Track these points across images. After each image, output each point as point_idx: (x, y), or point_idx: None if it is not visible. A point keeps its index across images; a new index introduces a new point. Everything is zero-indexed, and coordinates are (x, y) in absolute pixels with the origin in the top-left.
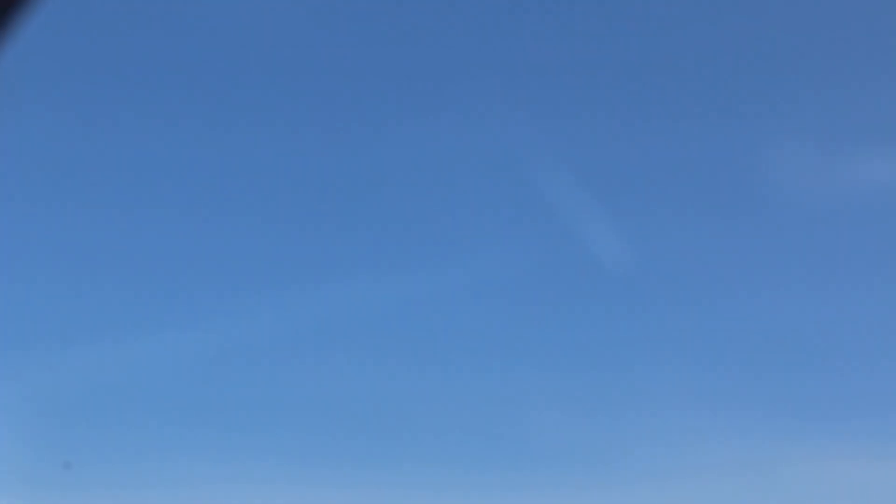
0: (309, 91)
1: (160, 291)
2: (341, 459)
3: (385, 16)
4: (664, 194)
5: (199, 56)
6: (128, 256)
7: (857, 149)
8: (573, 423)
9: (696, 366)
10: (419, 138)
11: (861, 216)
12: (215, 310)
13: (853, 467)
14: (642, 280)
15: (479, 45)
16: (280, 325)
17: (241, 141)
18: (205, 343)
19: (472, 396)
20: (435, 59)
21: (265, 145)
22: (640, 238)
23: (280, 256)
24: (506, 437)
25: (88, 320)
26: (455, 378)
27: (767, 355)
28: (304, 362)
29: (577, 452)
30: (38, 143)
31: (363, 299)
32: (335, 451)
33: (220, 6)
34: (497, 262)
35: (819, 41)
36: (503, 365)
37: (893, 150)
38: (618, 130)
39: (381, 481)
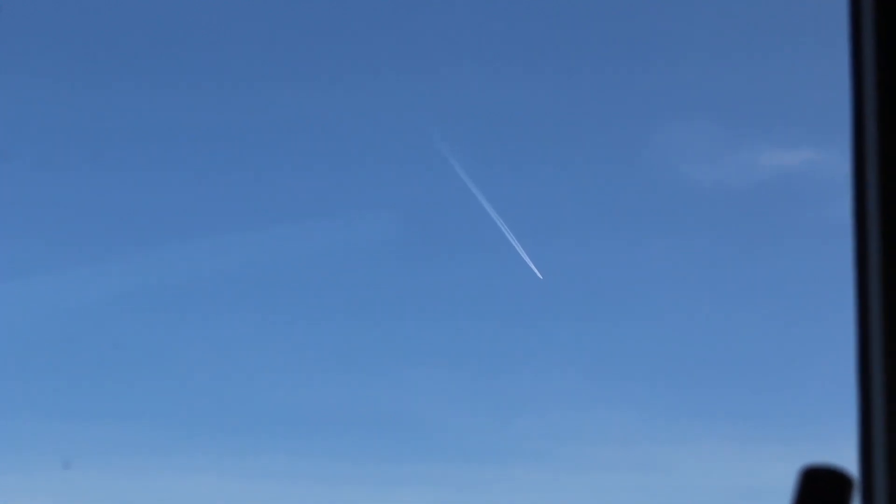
0: (202, 43)
1: (49, 238)
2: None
3: None
4: (551, 165)
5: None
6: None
7: (759, 132)
8: (467, 415)
9: (587, 364)
10: (312, 97)
11: (758, 199)
12: (98, 260)
13: (745, 468)
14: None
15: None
16: (153, 278)
17: (136, 96)
18: (80, 294)
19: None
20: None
21: (158, 100)
22: (529, 213)
23: (161, 210)
24: (396, 426)
25: None
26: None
27: (661, 352)
28: (178, 316)
29: (468, 445)
30: None
31: (248, 251)
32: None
33: None
34: (381, 220)
35: (729, 21)
36: (388, 328)
37: (796, 134)
38: (512, 97)
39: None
